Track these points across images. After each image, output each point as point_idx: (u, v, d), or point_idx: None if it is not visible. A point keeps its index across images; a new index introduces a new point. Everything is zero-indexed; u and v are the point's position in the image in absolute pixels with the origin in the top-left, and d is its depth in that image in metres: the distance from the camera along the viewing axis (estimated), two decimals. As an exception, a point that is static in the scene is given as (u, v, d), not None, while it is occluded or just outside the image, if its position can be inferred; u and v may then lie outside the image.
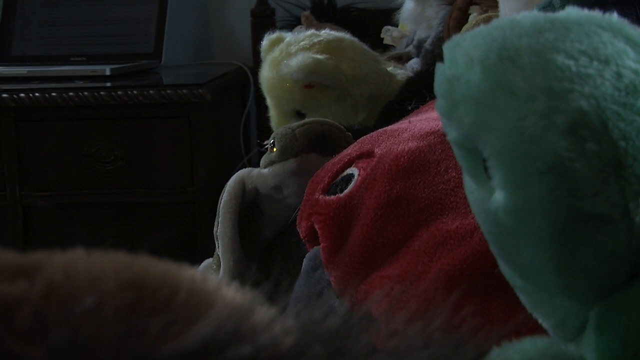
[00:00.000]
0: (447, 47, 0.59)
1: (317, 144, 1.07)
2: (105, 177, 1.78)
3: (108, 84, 1.82)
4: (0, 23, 2.26)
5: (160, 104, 1.76)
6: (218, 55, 2.39)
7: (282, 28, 2.04)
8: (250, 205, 1.10)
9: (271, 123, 1.41)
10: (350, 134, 1.11)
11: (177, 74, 2.11)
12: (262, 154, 1.19)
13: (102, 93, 1.75)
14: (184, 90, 1.75)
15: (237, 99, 2.21)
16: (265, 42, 1.42)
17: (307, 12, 1.98)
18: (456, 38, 0.59)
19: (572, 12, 0.59)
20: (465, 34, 0.59)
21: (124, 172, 1.78)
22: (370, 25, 1.93)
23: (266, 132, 1.65)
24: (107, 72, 1.91)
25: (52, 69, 1.99)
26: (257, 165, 2.02)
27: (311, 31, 1.38)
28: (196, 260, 1.39)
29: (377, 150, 0.88)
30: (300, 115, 1.34)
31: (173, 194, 1.78)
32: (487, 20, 1.18)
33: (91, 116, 1.78)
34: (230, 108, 2.15)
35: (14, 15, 2.25)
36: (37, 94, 1.75)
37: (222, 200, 1.08)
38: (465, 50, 0.57)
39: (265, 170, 1.09)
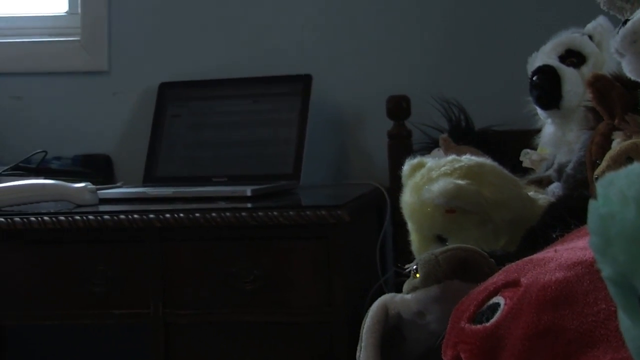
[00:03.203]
0: (600, 185, 0.59)
1: (460, 270, 1.07)
2: (245, 296, 1.81)
3: (249, 205, 1.86)
4: (148, 145, 2.36)
5: (299, 224, 1.78)
6: (355, 175, 2.43)
7: (419, 150, 2.07)
8: (392, 331, 1.10)
9: (412, 247, 1.42)
10: (492, 260, 1.11)
11: (315, 194, 2.16)
12: (398, 275, 1.19)
13: (243, 214, 1.79)
14: (323, 212, 1.77)
15: (373, 219, 2.23)
16: (406, 167, 1.44)
17: (444, 135, 2.00)
18: (609, 176, 0.59)
19: None
20: (619, 172, 0.59)
21: (262, 292, 1.80)
22: (508, 147, 1.93)
23: (402, 253, 1.66)
24: (248, 193, 1.96)
25: (195, 189, 2.06)
26: (393, 287, 2.03)
27: (452, 156, 1.39)
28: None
29: (523, 279, 0.88)
30: (441, 239, 1.35)
31: (310, 314, 1.80)
32: (632, 147, 1.18)
33: (232, 236, 1.82)
34: (367, 229, 2.17)
35: (161, 138, 2.35)
36: (181, 215, 1.81)
37: (365, 325, 1.08)
38: (619, 188, 0.58)
39: (409, 296, 1.10)
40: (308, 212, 1.78)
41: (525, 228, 1.27)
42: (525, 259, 0.94)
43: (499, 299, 0.88)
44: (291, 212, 1.78)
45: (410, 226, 1.42)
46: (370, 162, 2.41)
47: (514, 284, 0.89)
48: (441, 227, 1.34)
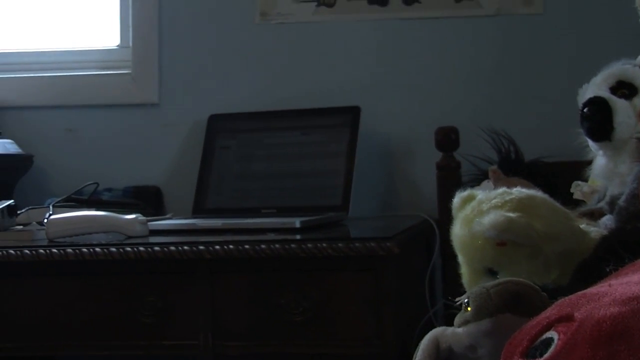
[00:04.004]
0: (657, 220, 0.59)
1: (512, 303, 1.06)
2: (294, 328, 1.81)
3: (298, 237, 1.86)
4: (198, 177, 2.37)
5: (348, 256, 1.78)
6: (403, 207, 2.42)
7: (468, 182, 2.06)
8: (444, 365, 1.10)
9: (462, 280, 1.41)
10: (544, 293, 1.10)
11: (364, 226, 2.15)
12: (448, 308, 1.19)
13: (292, 246, 1.80)
14: (372, 244, 1.77)
15: (422, 251, 2.22)
16: (456, 199, 1.43)
17: (494, 167, 1.99)
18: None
19: None
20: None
21: (311, 323, 1.80)
22: (558, 179, 1.92)
23: (452, 285, 1.65)
24: (297, 225, 1.96)
25: (244, 221, 2.06)
26: (442, 319, 2.02)
27: (503, 189, 1.39)
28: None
29: (577, 314, 0.87)
30: (492, 272, 1.34)
31: (359, 346, 1.79)
32: (686, 180, 1.16)
33: (281, 268, 1.82)
34: (415, 260, 2.16)
35: (210, 170, 2.37)
36: (231, 246, 1.81)
37: (417, 359, 1.08)
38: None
39: (460, 330, 1.09)
40: (357, 244, 1.78)
41: (577, 261, 1.26)
42: (579, 293, 0.93)
43: (552, 334, 0.87)
44: (340, 244, 1.78)
45: (460, 259, 1.41)
46: (418, 193, 2.41)
47: (567, 318, 0.88)
48: (492, 260, 1.33)
